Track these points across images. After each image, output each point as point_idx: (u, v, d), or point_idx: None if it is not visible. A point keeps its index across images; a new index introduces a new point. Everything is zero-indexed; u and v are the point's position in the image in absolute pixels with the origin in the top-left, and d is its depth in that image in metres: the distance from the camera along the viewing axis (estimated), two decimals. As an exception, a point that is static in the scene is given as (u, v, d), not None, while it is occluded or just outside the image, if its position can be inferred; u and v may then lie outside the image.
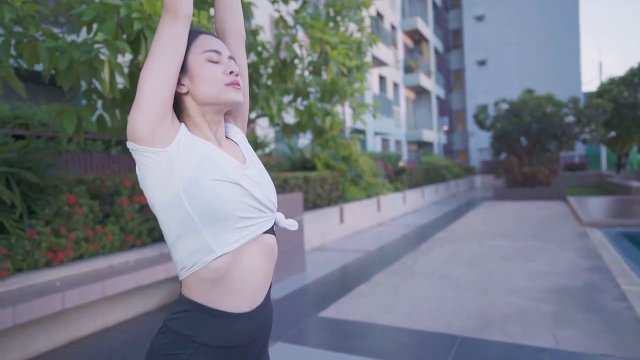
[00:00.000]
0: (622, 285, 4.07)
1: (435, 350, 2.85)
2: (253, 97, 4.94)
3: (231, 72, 0.99)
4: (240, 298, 0.93)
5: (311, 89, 5.48)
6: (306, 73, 5.69)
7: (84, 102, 5.05)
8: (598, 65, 29.10)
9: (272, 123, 4.93)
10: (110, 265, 3.63)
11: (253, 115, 5.58)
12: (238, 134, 1.12)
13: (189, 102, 0.99)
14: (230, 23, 1.14)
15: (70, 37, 2.97)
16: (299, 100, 5.61)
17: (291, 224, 1.05)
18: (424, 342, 2.99)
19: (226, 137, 1.09)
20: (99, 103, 3.52)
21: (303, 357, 2.80)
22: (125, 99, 3.35)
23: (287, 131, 5.73)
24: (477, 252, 5.89)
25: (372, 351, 2.82)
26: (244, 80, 1.13)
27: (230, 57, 1.03)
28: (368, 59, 16.70)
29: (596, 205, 10.43)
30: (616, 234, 7.02)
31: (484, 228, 8.15)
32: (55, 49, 2.58)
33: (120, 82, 3.58)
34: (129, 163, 5.07)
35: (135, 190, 4.06)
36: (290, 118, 6.60)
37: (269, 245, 1.00)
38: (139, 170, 0.93)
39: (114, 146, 4.97)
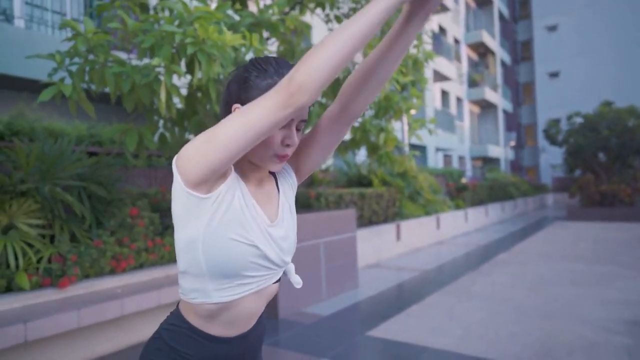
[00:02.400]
0: None
1: (487, 379, 2.67)
2: (308, 114, 5.03)
3: (287, 145, 0.92)
4: (228, 330, 0.98)
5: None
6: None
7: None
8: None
9: (325, 139, 4.98)
10: (167, 275, 3.82)
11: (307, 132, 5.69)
12: (287, 182, 1.07)
13: None
14: (361, 100, 0.97)
15: (136, 62, 3.23)
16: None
17: (297, 282, 1.05)
18: (476, 370, 2.82)
19: (276, 178, 1.06)
20: (161, 122, 3.77)
21: (346, 376, 2.75)
22: (182, 118, 3.56)
23: (341, 148, 5.75)
24: (543, 276, 5.48)
25: None
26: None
27: (303, 121, 0.95)
28: (428, 74, 16.47)
29: (688, 228, 9.32)
30: None
31: (553, 250, 7.58)
32: (121, 73, 2.81)
33: (178, 101, 3.84)
34: (190, 178, 5.35)
35: (193, 204, 4.27)
36: (345, 136, 6.63)
37: (269, 293, 1.02)
38: (174, 189, 0.88)
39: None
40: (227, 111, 0.96)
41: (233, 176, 0.91)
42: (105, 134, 3.10)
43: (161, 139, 3.81)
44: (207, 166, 0.81)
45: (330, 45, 0.74)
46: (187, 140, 3.89)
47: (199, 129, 3.53)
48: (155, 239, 3.88)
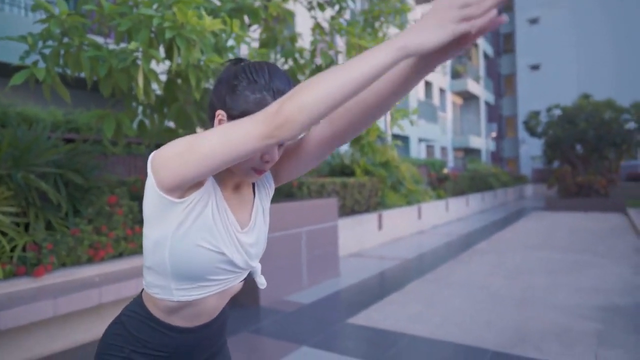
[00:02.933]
0: (680, 306, 3.73)
1: (463, 364, 2.74)
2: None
3: (267, 161, 0.90)
4: (189, 322, 1.00)
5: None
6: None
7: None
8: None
9: (308, 129, 4.96)
10: (147, 264, 3.78)
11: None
12: (264, 187, 1.06)
13: None
14: (355, 130, 0.92)
15: (113, 47, 3.15)
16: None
17: (261, 283, 1.05)
18: (452, 355, 2.88)
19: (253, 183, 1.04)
20: (139, 109, 3.70)
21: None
22: (162, 105, 3.49)
23: (323, 137, 5.74)
24: (520, 264, 5.61)
25: (397, 361, 2.75)
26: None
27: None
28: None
29: (659, 218, 9.64)
30: (680, 250, 6.45)
31: (530, 239, 7.76)
32: (97, 57, 2.74)
33: (157, 88, 3.76)
34: (171, 166, 5.28)
35: (173, 192, 4.22)
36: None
37: (233, 291, 1.03)
38: (147, 186, 0.87)
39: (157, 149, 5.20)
40: (212, 112, 0.93)
41: (209, 182, 0.90)
42: (82, 120, 3.02)
43: (140, 126, 3.74)
44: (181, 175, 0.79)
45: (325, 85, 0.69)
46: (167, 129, 3.83)
47: (178, 116, 3.47)
48: (135, 227, 3.82)
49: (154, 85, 5.41)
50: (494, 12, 0.68)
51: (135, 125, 4.60)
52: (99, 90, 3.01)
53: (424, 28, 0.67)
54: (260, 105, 0.84)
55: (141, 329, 0.98)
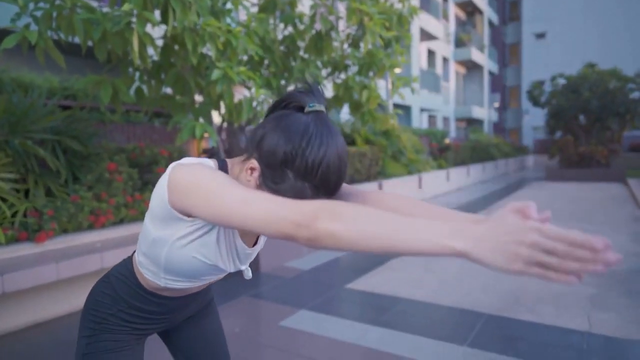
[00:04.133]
0: (674, 272, 3.78)
1: (458, 325, 2.80)
2: (289, 70, 4.93)
3: None
4: (176, 294, 1.04)
5: (349, 62, 5.38)
6: (345, 46, 5.58)
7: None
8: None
9: (307, 96, 4.90)
10: (148, 231, 3.83)
11: (290, 88, 5.58)
12: None
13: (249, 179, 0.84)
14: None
15: (106, 9, 3.07)
16: (337, 74, 5.53)
17: (247, 275, 1.05)
18: (448, 318, 2.94)
19: None
20: (136, 75, 3.64)
21: (324, 325, 2.84)
22: (158, 70, 3.44)
23: (323, 105, 5.67)
24: (518, 233, 5.65)
25: (392, 323, 2.81)
26: None
27: None
28: (415, 32, 16.16)
29: (659, 188, 9.65)
30: (678, 219, 6.48)
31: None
32: (90, 20, 2.68)
33: (154, 54, 3.69)
34: (170, 134, 5.25)
35: (173, 159, 4.22)
36: (328, 92, 6.55)
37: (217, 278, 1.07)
38: (158, 187, 0.85)
39: (156, 118, 5.16)
40: (251, 148, 0.84)
41: None
42: (77, 86, 2.99)
43: (137, 92, 3.70)
44: (191, 211, 0.78)
45: (365, 231, 0.63)
46: (165, 95, 3.78)
47: (176, 82, 3.42)
48: (135, 194, 3.84)
49: (151, 51, 5.32)
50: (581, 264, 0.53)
51: (132, 92, 4.55)
52: (95, 56, 2.96)
53: (492, 245, 0.56)
54: (298, 194, 0.78)
55: (129, 293, 1.00)
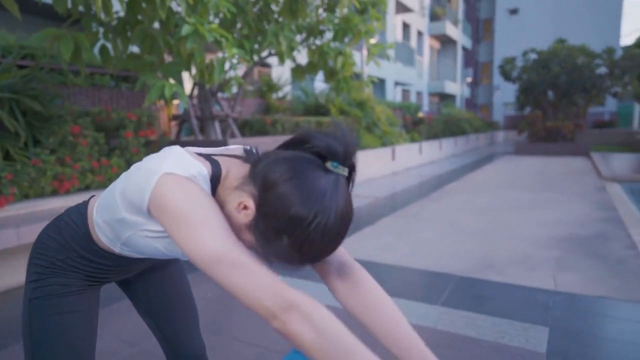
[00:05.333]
0: (633, 236, 3.96)
1: (430, 287, 2.85)
2: (263, 33, 4.77)
3: None
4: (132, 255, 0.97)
5: (324, 28, 5.25)
6: (320, 11, 5.43)
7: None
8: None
9: (282, 61, 4.78)
10: (116, 197, 3.69)
11: (264, 53, 5.42)
12: None
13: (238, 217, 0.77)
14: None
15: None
16: (312, 40, 5.40)
17: None
18: (420, 280, 2.99)
19: None
20: (100, 32, 3.43)
21: (298, 288, 2.84)
22: (124, 27, 3.25)
23: (298, 72, 5.57)
24: (488, 202, 5.80)
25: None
26: None
27: None
28: (390, 3, 15.93)
29: (619, 161, 10.07)
30: (635, 188, 6.79)
31: (499, 180, 7.98)
32: (46, -34, 2.47)
33: (120, 10, 3.47)
34: (138, 99, 5.04)
35: (141, 124, 4.05)
36: (302, 59, 6.40)
37: None
38: (136, 176, 0.79)
39: (123, 82, 4.93)
40: (251, 178, 0.74)
41: None
42: (35, 40, 2.78)
43: (102, 51, 3.49)
44: (167, 234, 0.74)
45: (326, 351, 0.64)
46: (131, 54, 3.59)
47: (144, 39, 3.25)
48: (101, 159, 3.69)
49: (116, 7, 5.02)
50: None
51: (96, 51, 4.30)
52: (56, 14, 2.75)
53: None
54: (283, 259, 0.73)
55: (79, 243, 0.92)
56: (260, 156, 0.77)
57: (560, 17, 26.82)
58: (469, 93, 28.68)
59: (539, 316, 2.39)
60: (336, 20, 4.93)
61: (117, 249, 0.91)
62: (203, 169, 0.78)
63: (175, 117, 5.27)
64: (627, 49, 14.94)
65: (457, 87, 24.63)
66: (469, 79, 26.88)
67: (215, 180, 0.80)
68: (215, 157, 0.84)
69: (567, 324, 2.29)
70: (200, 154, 0.85)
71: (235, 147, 0.93)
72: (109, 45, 3.52)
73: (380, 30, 5.22)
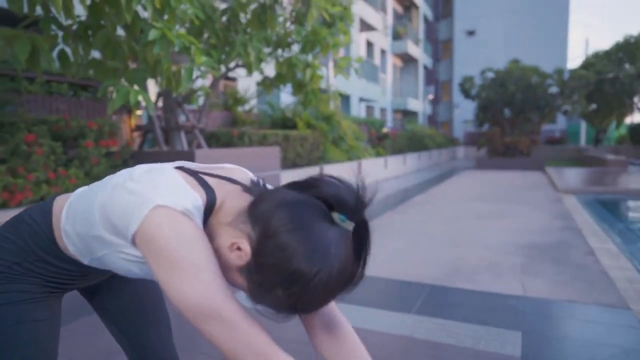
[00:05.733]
0: (591, 243, 4.12)
1: (404, 296, 2.84)
2: (230, 44, 4.72)
3: None
4: None
5: (292, 40, 5.27)
6: (288, 24, 5.46)
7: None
8: (584, 42, 29.12)
9: (250, 72, 4.74)
10: (74, 209, 3.49)
11: (232, 64, 5.36)
12: None
13: (230, 257, 0.71)
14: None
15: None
16: (280, 51, 5.40)
17: None
18: (393, 289, 2.97)
19: None
20: (60, 35, 3.28)
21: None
22: (86, 31, 3.12)
23: (266, 84, 5.54)
24: (453, 213, 5.91)
25: (340, 297, 2.79)
26: None
27: None
28: (355, 21, 16.29)
29: (572, 175, 10.59)
30: (589, 200, 7.14)
31: (462, 193, 8.19)
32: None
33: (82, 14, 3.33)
34: (99, 110, 4.85)
35: (103, 133, 3.88)
36: (270, 71, 6.39)
37: None
38: (120, 199, 0.72)
39: (83, 90, 4.73)
40: (250, 217, 0.69)
41: None
42: (-13, 41, 2.61)
43: (61, 56, 3.32)
44: (151, 270, 0.69)
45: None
46: (93, 60, 3.44)
47: (106, 44, 3.12)
48: (58, 170, 3.49)
49: (78, 10, 4.83)
50: None
51: (55, 56, 4.11)
52: (8, 11, 2.61)
53: None
54: (276, 308, 0.69)
55: (41, 246, 0.83)
56: (264, 193, 0.71)
57: (514, 39, 28.32)
58: (430, 110, 29.58)
59: (511, 321, 2.41)
60: (304, 33, 4.96)
61: (85, 261, 0.83)
62: (198, 200, 0.71)
63: (138, 128, 5.09)
64: (574, 70, 15.90)
65: (419, 104, 25.34)
66: (431, 96, 27.77)
67: (208, 210, 0.74)
68: (210, 182, 0.77)
69: (539, 328, 2.32)
70: (194, 173, 0.78)
71: (233, 168, 0.86)
72: (69, 51, 3.36)
73: (346, 44, 5.28)
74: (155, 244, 0.66)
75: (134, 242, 0.70)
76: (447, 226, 5.02)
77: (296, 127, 8.04)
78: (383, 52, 21.89)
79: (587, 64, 17.75)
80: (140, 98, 2.98)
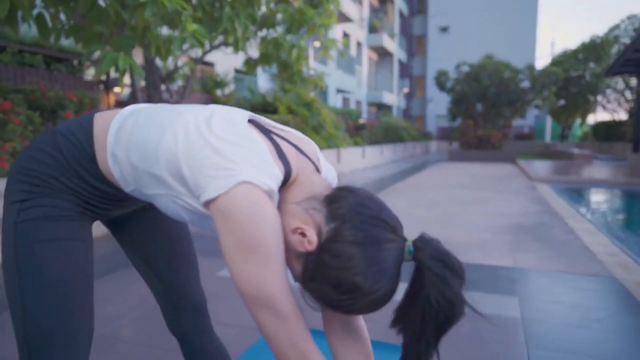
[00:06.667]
0: (569, 224, 4.26)
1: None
2: (216, 20, 4.58)
3: None
4: None
5: (278, 20, 5.17)
6: (272, 5, 5.35)
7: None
8: (551, 43, 30.21)
9: (236, 50, 4.62)
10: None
11: (216, 42, 5.22)
12: None
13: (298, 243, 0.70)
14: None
15: None
16: (265, 31, 5.30)
17: None
18: (387, 263, 2.98)
19: None
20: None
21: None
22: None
23: (250, 65, 5.43)
24: (435, 199, 5.99)
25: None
26: None
27: None
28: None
29: (543, 167, 10.95)
30: (561, 188, 7.39)
31: (442, 181, 8.32)
32: None
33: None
34: (75, 85, 4.63)
35: (83, 105, 3.70)
36: (253, 52, 6.28)
37: None
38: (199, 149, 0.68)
39: (57, 63, 4.50)
40: (327, 210, 0.69)
41: None
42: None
43: (39, 20, 3.13)
44: (218, 238, 0.67)
45: None
46: (75, 25, 3.27)
47: (91, 9, 2.97)
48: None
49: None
50: None
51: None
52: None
53: None
54: (321, 301, 0.69)
55: (80, 162, 0.76)
56: (346, 191, 0.72)
57: (486, 36, 28.95)
58: (405, 104, 29.92)
59: (506, 288, 2.46)
60: (290, 11, 4.88)
61: (127, 189, 0.77)
62: (279, 176, 0.69)
63: (119, 104, 4.89)
64: (546, 67, 16.41)
65: (394, 98, 25.58)
66: (406, 89, 28.09)
67: (287, 175, 0.71)
68: (285, 149, 0.73)
69: (533, 294, 2.37)
70: (267, 132, 0.74)
71: (300, 137, 0.83)
72: (47, 14, 3.17)
73: (331, 25, 5.23)
74: (232, 221, 0.63)
75: (204, 205, 0.66)
76: (431, 211, 5.08)
77: (277, 112, 7.95)
78: (359, 44, 21.94)
79: (556, 62, 18.36)
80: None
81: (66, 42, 5.54)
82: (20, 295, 0.73)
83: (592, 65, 19.29)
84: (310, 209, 0.69)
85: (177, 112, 0.75)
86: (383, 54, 25.39)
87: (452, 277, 0.64)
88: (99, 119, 0.79)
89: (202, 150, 0.66)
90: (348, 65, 18.82)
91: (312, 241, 0.67)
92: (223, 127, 0.69)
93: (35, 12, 3.12)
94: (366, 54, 23.04)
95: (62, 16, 3.20)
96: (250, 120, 0.78)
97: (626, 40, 18.50)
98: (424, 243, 0.68)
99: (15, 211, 0.74)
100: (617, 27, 19.73)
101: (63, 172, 0.75)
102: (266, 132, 0.75)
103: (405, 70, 31.21)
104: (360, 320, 0.86)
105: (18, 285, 0.73)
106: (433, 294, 0.63)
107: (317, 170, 0.81)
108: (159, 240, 0.98)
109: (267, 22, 5.12)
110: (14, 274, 0.74)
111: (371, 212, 0.68)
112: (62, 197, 0.76)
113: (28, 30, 3.82)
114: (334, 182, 0.88)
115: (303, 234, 0.68)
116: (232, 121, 0.71)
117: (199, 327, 1.03)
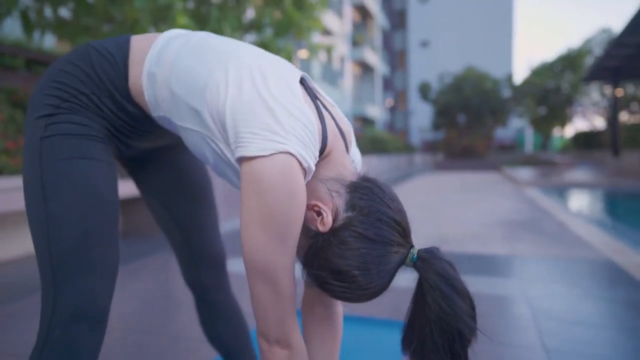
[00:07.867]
0: (560, 219, 4.29)
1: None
2: (204, 20, 4.57)
3: None
4: None
5: (266, 23, 5.19)
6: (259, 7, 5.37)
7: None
8: (527, 58, 31.21)
9: (223, 52, 4.59)
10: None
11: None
12: None
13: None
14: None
15: None
16: (253, 34, 5.30)
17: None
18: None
19: None
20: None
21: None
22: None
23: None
24: (429, 201, 6.00)
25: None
26: None
27: None
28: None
29: (528, 173, 11.13)
30: (547, 189, 7.50)
31: (432, 187, 8.37)
32: None
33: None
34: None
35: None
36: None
37: None
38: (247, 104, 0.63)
39: (38, 66, 4.41)
40: (349, 196, 0.67)
41: None
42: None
43: (23, 16, 3.07)
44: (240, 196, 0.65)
45: None
46: (62, 21, 3.21)
47: (79, 3, 2.92)
48: (18, 139, 3.19)
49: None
50: None
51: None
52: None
53: None
54: (313, 282, 0.69)
55: (113, 81, 0.71)
56: (372, 184, 0.69)
57: (466, 49, 29.68)
58: (388, 118, 30.26)
59: (507, 272, 2.44)
60: (277, 15, 4.90)
61: (154, 114, 0.72)
62: (317, 152, 0.65)
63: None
64: (526, 78, 16.83)
65: (377, 111, 25.86)
66: (390, 101, 28.43)
67: (324, 136, 0.68)
68: (328, 123, 0.69)
69: (535, 277, 2.35)
70: (314, 98, 0.70)
71: (341, 116, 0.79)
72: (32, 10, 3.10)
73: (317, 29, 5.25)
74: (264, 188, 0.59)
75: (238, 160, 0.62)
76: (425, 211, 5.07)
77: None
78: (342, 59, 22.21)
79: (535, 73, 18.86)
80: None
81: (48, 44, 5.46)
82: (45, 213, 0.66)
83: (569, 76, 19.87)
84: (333, 190, 0.67)
85: (231, 49, 0.69)
86: (366, 68, 25.72)
87: (455, 296, 0.61)
88: (137, 40, 0.74)
89: (253, 105, 0.61)
90: (332, 78, 19.00)
91: (326, 223, 0.65)
92: (281, 90, 0.63)
93: (20, 7, 3.06)
94: (349, 67, 23.32)
95: (48, 12, 3.13)
96: (300, 81, 0.71)
97: (599, 52, 19.15)
98: (430, 255, 0.65)
99: (41, 126, 0.68)
100: (590, 40, 20.43)
101: (94, 90, 0.70)
102: (314, 97, 0.70)
103: (388, 84, 31.67)
104: (340, 307, 0.85)
105: (43, 203, 0.67)
106: (435, 310, 0.61)
107: (347, 151, 0.77)
108: (181, 186, 0.92)
109: (255, 25, 5.13)
110: (38, 191, 0.67)
111: (390, 213, 0.66)
112: (89, 117, 0.70)
113: (9, 32, 3.73)
114: (359, 168, 0.84)
115: (319, 213, 0.66)
116: (290, 87, 0.65)
117: (217, 282, 0.98)
